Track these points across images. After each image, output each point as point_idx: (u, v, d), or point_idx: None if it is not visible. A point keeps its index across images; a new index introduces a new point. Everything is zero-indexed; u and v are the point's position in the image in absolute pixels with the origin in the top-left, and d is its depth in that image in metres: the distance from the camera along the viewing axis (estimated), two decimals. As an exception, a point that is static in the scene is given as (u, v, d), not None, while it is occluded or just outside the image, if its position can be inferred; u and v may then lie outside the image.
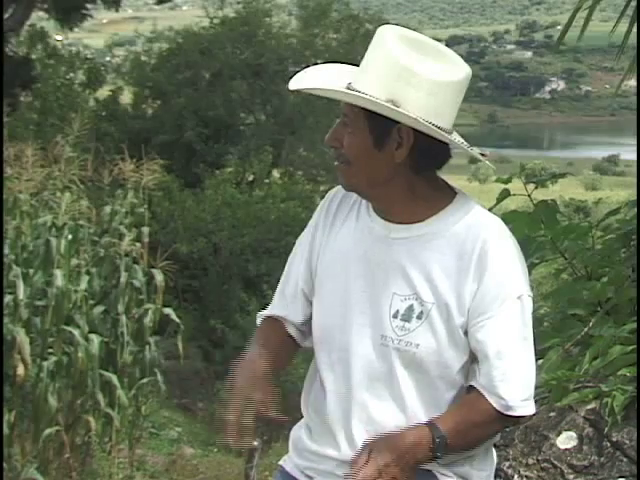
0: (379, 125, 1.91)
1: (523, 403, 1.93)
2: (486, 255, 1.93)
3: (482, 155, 1.97)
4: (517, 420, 1.98)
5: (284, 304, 2.16)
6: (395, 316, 1.96)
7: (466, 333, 1.94)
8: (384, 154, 1.93)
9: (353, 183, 1.99)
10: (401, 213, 1.99)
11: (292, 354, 2.21)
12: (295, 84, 1.98)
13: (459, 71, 1.93)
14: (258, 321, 2.19)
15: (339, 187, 2.13)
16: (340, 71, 2.01)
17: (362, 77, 1.92)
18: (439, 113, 1.90)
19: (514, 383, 1.92)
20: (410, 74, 1.88)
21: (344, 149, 1.95)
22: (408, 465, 1.87)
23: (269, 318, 2.18)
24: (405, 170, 1.95)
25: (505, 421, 1.95)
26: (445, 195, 2.01)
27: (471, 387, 1.96)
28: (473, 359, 1.97)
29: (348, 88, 1.92)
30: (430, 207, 1.98)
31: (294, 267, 2.15)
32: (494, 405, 1.92)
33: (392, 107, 1.87)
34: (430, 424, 1.90)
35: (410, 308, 1.95)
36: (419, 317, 1.94)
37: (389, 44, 1.90)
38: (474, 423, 1.93)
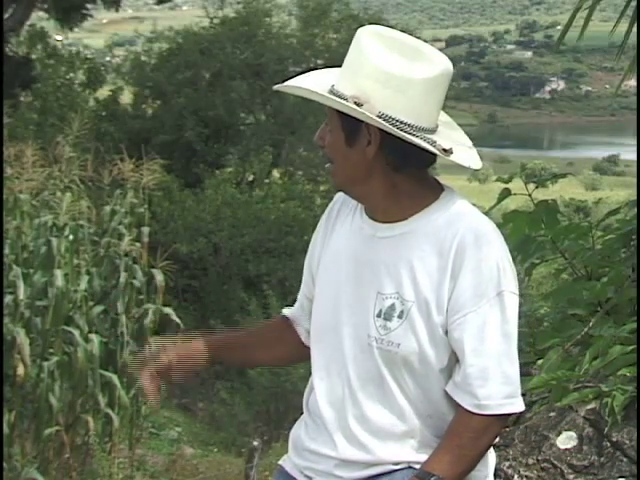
0: (349, 123, 1.92)
1: (505, 401, 1.92)
2: (464, 251, 1.91)
3: (445, 151, 1.92)
4: (506, 418, 1.96)
5: (296, 306, 2.24)
6: (378, 315, 1.96)
7: (446, 332, 1.93)
8: (356, 151, 1.94)
9: (338, 182, 2.02)
10: (385, 212, 1.99)
11: (294, 352, 2.24)
12: (280, 85, 2.04)
13: (433, 68, 1.91)
14: None
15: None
16: (333, 73, 2.02)
17: (340, 77, 1.96)
18: (410, 111, 1.89)
19: (492, 381, 1.90)
20: (378, 72, 1.89)
21: (328, 145, 1.98)
22: None
23: (283, 316, 2.27)
24: (383, 168, 1.95)
25: (495, 423, 1.93)
26: (431, 193, 2.00)
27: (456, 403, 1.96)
28: (456, 359, 1.96)
29: (331, 89, 1.94)
30: (414, 205, 1.98)
31: (304, 271, 2.22)
32: (468, 408, 1.91)
33: (349, 105, 1.88)
34: (421, 473, 1.90)
35: (392, 307, 1.95)
36: (400, 316, 1.94)
37: (362, 43, 1.91)
38: (466, 444, 1.91)
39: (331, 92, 1.93)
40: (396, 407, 1.98)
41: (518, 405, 1.94)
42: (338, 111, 1.92)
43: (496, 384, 1.90)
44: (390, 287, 1.96)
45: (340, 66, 2.02)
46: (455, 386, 1.94)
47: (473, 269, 1.90)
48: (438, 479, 1.88)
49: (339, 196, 2.15)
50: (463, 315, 1.90)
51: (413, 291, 1.93)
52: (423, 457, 1.96)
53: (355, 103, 1.88)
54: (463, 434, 1.92)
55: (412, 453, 1.99)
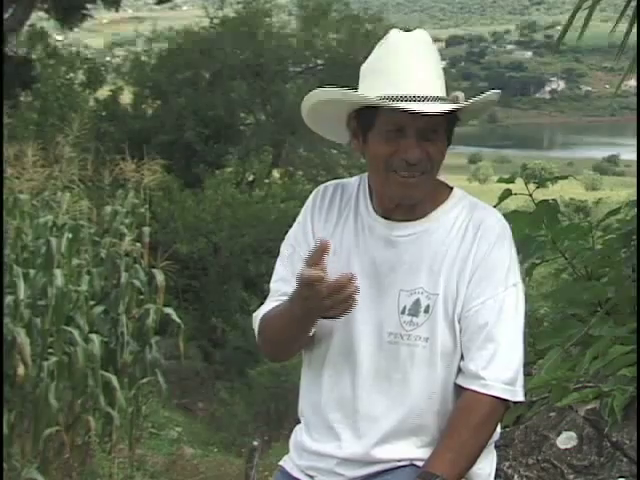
0: (452, 124, 1.98)
1: (507, 387, 1.94)
2: (488, 240, 1.98)
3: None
4: (504, 409, 1.97)
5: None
6: (403, 312, 1.98)
7: (459, 320, 1.97)
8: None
9: (428, 189, 2.00)
10: (410, 211, 2.02)
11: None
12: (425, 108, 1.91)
13: None
14: (258, 321, 2.10)
15: (326, 184, 2.16)
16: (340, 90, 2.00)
17: (420, 85, 1.93)
18: None
19: (499, 365, 1.94)
20: (439, 67, 1.99)
21: (430, 159, 1.96)
22: None
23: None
24: None
25: (496, 410, 1.95)
26: (444, 190, 2.06)
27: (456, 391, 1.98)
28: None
29: (416, 96, 1.92)
30: (433, 202, 2.03)
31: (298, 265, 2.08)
32: (475, 388, 1.93)
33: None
34: (424, 474, 1.90)
35: (417, 302, 1.98)
36: (426, 310, 1.98)
37: (423, 46, 1.97)
38: (466, 440, 1.92)
39: (434, 99, 1.93)
40: (410, 404, 1.99)
41: (518, 394, 1.97)
42: (449, 115, 1.93)
43: (500, 369, 1.94)
44: (413, 283, 1.99)
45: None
46: (462, 372, 1.97)
47: (494, 259, 1.98)
48: None
49: (324, 188, 2.14)
50: (482, 302, 1.96)
51: (438, 284, 1.97)
52: (426, 454, 1.97)
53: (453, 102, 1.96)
54: (463, 430, 1.93)
55: (415, 450, 2.00)
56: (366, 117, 1.96)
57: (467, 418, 1.94)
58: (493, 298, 1.96)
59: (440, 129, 1.95)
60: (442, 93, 1.95)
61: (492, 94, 2.00)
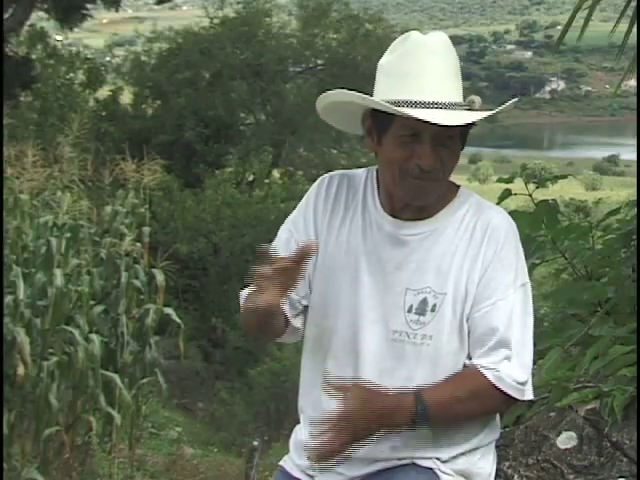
0: (466, 130, 1.98)
1: (518, 386, 1.96)
2: (497, 240, 1.99)
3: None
4: (512, 401, 1.98)
5: None
6: (410, 310, 1.98)
7: (467, 320, 1.98)
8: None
9: (439, 194, 2.02)
10: (418, 210, 2.02)
11: (281, 321, 2.06)
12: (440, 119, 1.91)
13: None
14: (242, 300, 2.10)
15: (332, 173, 2.14)
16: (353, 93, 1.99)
17: (438, 90, 1.93)
18: None
19: (511, 366, 1.95)
20: (458, 70, 1.99)
21: (444, 165, 1.97)
22: (381, 427, 1.89)
23: None
24: None
25: (498, 400, 1.96)
26: (450, 189, 2.06)
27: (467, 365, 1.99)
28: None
29: (434, 102, 1.92)
30: (440, 202, 2.04)
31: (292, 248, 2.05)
32: (489, 377, 1.94)
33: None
34: (416, 393, 1.91)
35: (424, 301, 1.98)
36: (433, 310, 1.98)
37: (444, 50, 1.97)
38: (463, 396, 1.94)
39: (453, 105, 1.94)
40: None
41: (527, 394, 1.99)
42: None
43: (513, 369, 1.95)
44: (421, 282, 1.99)
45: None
46: (473, 365, 1.97)
47: (503, 259, 1.98)
48: (426, 409, 1.88)
49: (330, 178, 2.12)
50: (492, 303, 1.96)
51: (446, 283, 1.98)
52: (427, 453, 1.98)
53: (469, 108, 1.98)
54: (468, 388, 1.94)
55: (416, 449, 1.99)
56: (382, 119, 1.95)
57: (475, 383, 1.94)
58: (504, 300, 1.96)
59: (455, 135, 1.96)
60: (459, 98, 1.96)
61: (512, 103, 2.02)
